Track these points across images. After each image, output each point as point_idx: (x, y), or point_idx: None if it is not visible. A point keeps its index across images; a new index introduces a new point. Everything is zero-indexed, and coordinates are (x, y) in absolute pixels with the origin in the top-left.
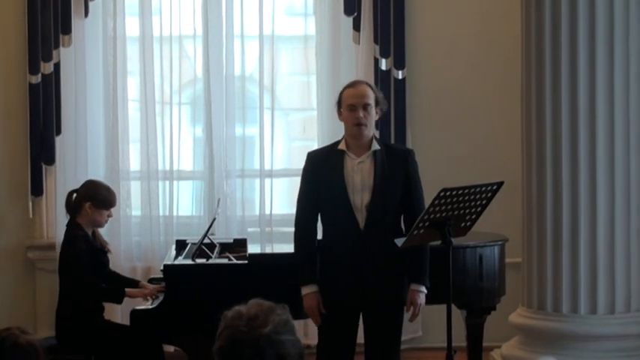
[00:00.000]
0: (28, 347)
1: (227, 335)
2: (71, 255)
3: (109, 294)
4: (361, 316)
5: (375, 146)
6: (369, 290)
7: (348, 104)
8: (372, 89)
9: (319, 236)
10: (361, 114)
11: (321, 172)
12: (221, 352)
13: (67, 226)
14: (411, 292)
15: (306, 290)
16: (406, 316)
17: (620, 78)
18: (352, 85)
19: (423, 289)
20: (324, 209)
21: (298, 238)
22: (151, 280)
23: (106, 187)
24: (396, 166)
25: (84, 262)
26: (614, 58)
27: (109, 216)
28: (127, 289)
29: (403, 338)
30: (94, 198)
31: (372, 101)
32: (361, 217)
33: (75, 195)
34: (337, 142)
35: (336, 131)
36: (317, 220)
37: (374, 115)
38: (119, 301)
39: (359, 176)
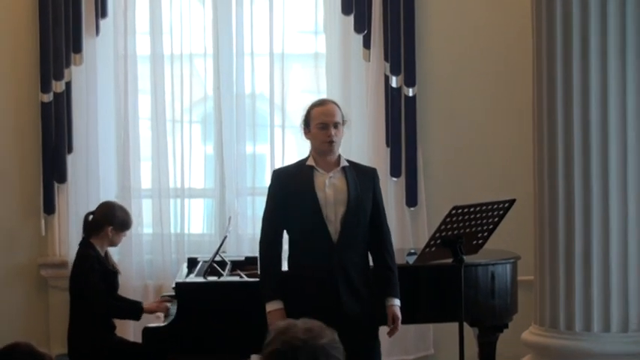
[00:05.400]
0: (42, 357)
1: (282, 340)
2: (85, 274)
3: (128, 311)
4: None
5: (344, 162)
6: (343, 303)
7: (318, 122)
8: (339, 108)
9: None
10: (332, 132)
11: (291, 188)
12: (275, 355)
13: (80, 245)
14: (391, 307)
15: (271, 307)
16: (427, 329)
17: (633, 93)
18: (321, 103)
19: (399, 302)
20: (294, 225)
21: (264, 255)
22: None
23: (121, 208)
24: (366, 182)
25: (98, 283)
26: (626, 72)
27: (124, 235)
28: (144, 305)
29: (414, 356)
30: (114, 222)
31: (340, 119)
32: (334, 231)
33: (92, 217)
34: (304, 160)
35: (346, 148)
36: (282, 237)
37: (342, 131)
38: (138, 317)
39: (331, 190)
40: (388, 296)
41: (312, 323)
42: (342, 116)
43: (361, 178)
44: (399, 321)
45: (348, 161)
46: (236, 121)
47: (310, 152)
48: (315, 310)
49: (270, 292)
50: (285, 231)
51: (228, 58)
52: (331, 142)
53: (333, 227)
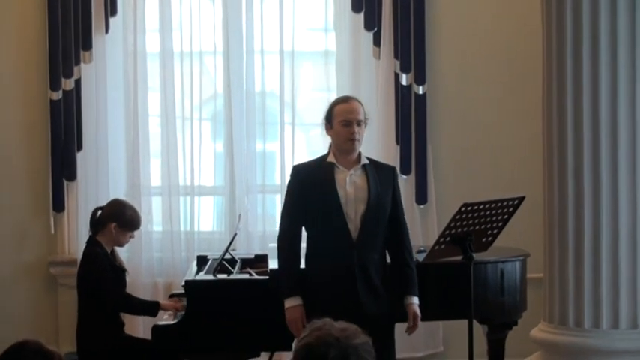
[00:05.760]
0: (51, 355)
1: (317, 335)
2: (94, 272)
3: (145, 307)
4: None
5: (365, 160)
6: (361, 301)
7: (341, 120)
8: (362, 106)
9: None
10: (356, 130)
11: (311, 184)
12: (306, 348)
13: (87, 243)
14: (410, 305)
15: (289, 303)
16: (437, 326)
17: None
18: (345, 100)
19: (417, 300)
20: (314, 222)
21: (283, 251)
22: (172, 296)
23: (132, 209)
24: (386, 180)
25: (110, 279)
26: (635, 71)
27: (131, 237)
28: (161, 302)
29: (424, 354)
30: (120, 219)
31: (363, 118)
32: (354, 229)
33: (100, 212)
34: (324, 156)
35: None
36: (301, 233)
37: (364, 131)
38: (155, 314)
39: (352, 188)
40: (407, 294)
41: (348, 325)
42: (365, 114)
43: (381, 176)
44: (419, 319)
45: (367, 159)
46: (246, 118)
47: (330, 149)
48: (334, 308)
49: (289, 288)
50: (303, 228)
51: (239, 56)
52: (354, 141)
53: (353, 225)
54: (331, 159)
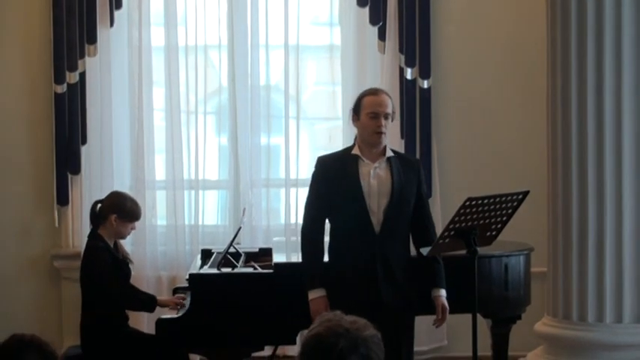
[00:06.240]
0: (47, 347)
1: (326, 326)
2: (96, 267)
3: (142, 303)
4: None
5: (390, 153)
6: (382, 295)
7: (369, 112)
8: (391, 98)
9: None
10: (383, 122)
11: (335, 176)
12: (316, 338)
13: (89, 237)
14: (438, 297)
15: (313, 294)
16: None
17: None
18: (374, 92)
19: (445, 292)
20: (337, 214)
21: (307, 243)
22: (177, 289)
23: (131, 200)
24: (409, 173)
25: (110, 274)
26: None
27: (133, 228)
28: (158, 298)
29: (428, 347)
30: (120, 210)
31: (391, 111)
32: (377, 221)
33: (99, 205)
34: (349, 148)
35: None
36: (325, 225)
37: (391, 123)
38: (152, 310)
39: (376, 181)
40: (435, 287)
41: (358, 318)
42: (393, 108)
43: (406, 169)
44: (447, 312)
45: (393, 151)
46: (250, 112)
47: (356, 141)
48: (355, 300)
49: (313, 280)
50: (327, 220)
51: (243, 50)
52: (380, 134)
53: (376, 218)
54: (356, 151)
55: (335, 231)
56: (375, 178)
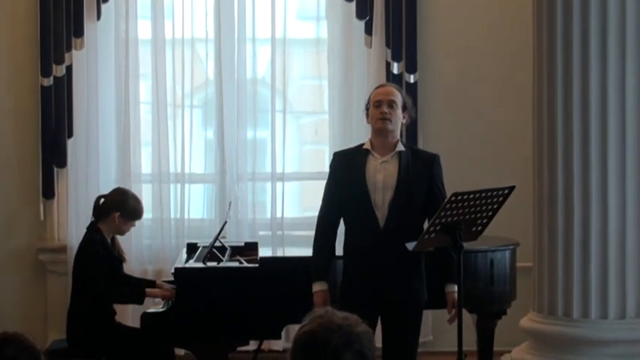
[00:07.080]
0: (33, 349)
1: (319, 323)
2: (88, 259)
3: (130, 297)
4: (379, 320)
5: (400, 147)
6: (386, 290)
7: (374, 101)
8: (400, 92)
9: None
10: (386, 109)
11: (343, 171)
12: (308, 334)
13: (87, 229)
14: (451, 293)
15: (316, 287)
16: (426, 316)
17: (633, 81)
18: (381, 85)
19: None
20: (345, 208)
21: (318, 236)
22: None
23: (134, 198)
24: (420, 168)
25: (101, 267)
26: (625, 61)
27: (132, 226)
28: (147, 289)
29: None
30: (124, 209)
31: (398, 100)
32: (382, 216)
33: (103, 200)
34: (363, 143)
35: (347, 135)
36: (338, 220)
37: (400, 115)
38: (141, 302)
39: (381, 175)
40: (447, 283)
41: (350, 314)
42: (403, 101)
43: (417, 163)
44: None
45: (409, 147)
46: (237, 106)
47: (370, 136)
48: (358, 294)
49: (317, 273)
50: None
51: (230, 43)
52: (384, 120)
53: (381, 212)
54: (367, 145)
55: (346, 227)
56: (381, 172)
